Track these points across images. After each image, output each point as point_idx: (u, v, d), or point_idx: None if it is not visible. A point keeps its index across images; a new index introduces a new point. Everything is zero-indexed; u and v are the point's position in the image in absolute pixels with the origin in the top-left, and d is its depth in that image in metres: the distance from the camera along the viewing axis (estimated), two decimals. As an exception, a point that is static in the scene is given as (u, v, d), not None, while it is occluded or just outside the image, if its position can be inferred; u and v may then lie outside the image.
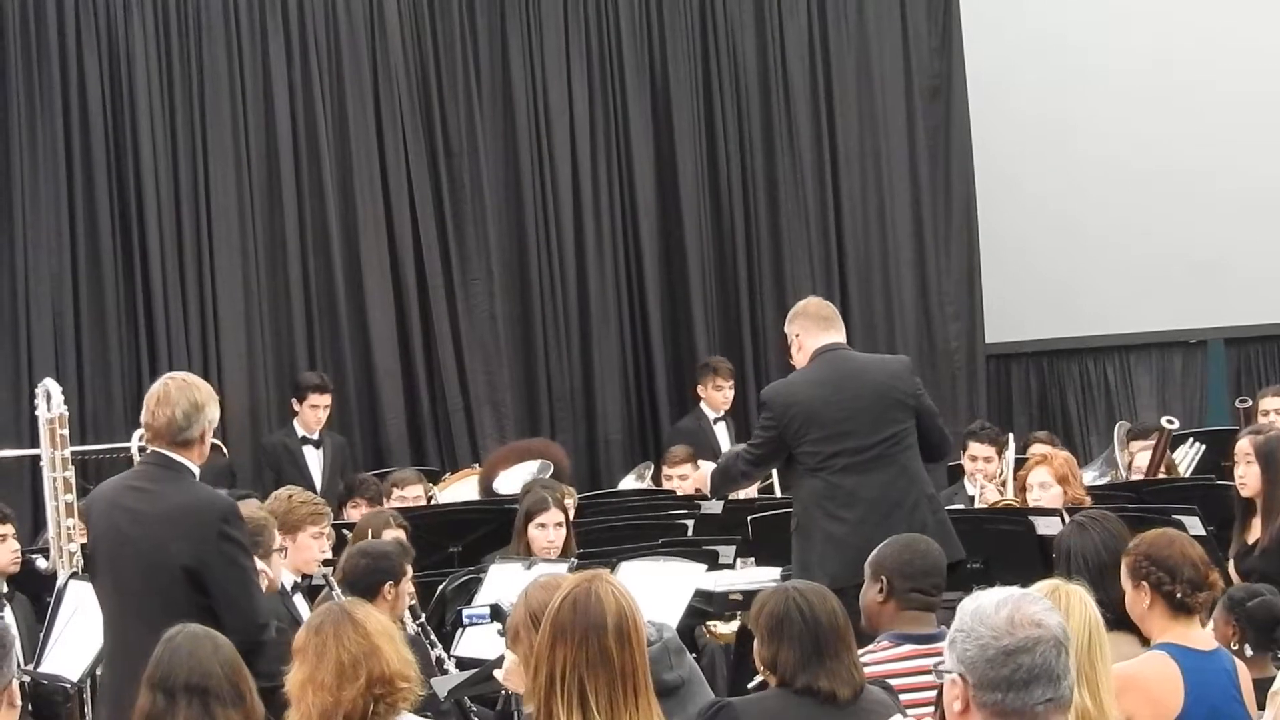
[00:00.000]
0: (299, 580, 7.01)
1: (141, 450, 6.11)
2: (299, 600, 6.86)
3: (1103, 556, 5.47)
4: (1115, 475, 9.85)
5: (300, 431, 10.89)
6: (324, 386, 10.90)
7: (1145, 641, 5.16)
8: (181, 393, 5.74)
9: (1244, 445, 7.21)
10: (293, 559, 7.01)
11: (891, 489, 7.09)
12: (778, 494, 9.83)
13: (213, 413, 5.79)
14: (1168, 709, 4.90)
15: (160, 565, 5.60)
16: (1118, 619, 5.11)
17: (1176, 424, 9.30)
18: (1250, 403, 10.44)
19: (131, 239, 11.23)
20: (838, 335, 7.38)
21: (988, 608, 3.15)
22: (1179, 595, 5.03)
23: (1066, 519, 6.52)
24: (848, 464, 7.09)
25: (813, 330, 7.34)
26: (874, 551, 5.76)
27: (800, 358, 7.36)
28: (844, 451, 7.10)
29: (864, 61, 13.16)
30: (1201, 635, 5.12)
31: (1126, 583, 5.13)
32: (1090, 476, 9.52)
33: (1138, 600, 5.10)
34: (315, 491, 9.32)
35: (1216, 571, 5.22)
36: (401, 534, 7.47)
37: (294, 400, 10.97)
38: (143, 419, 5.83)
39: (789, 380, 7.45)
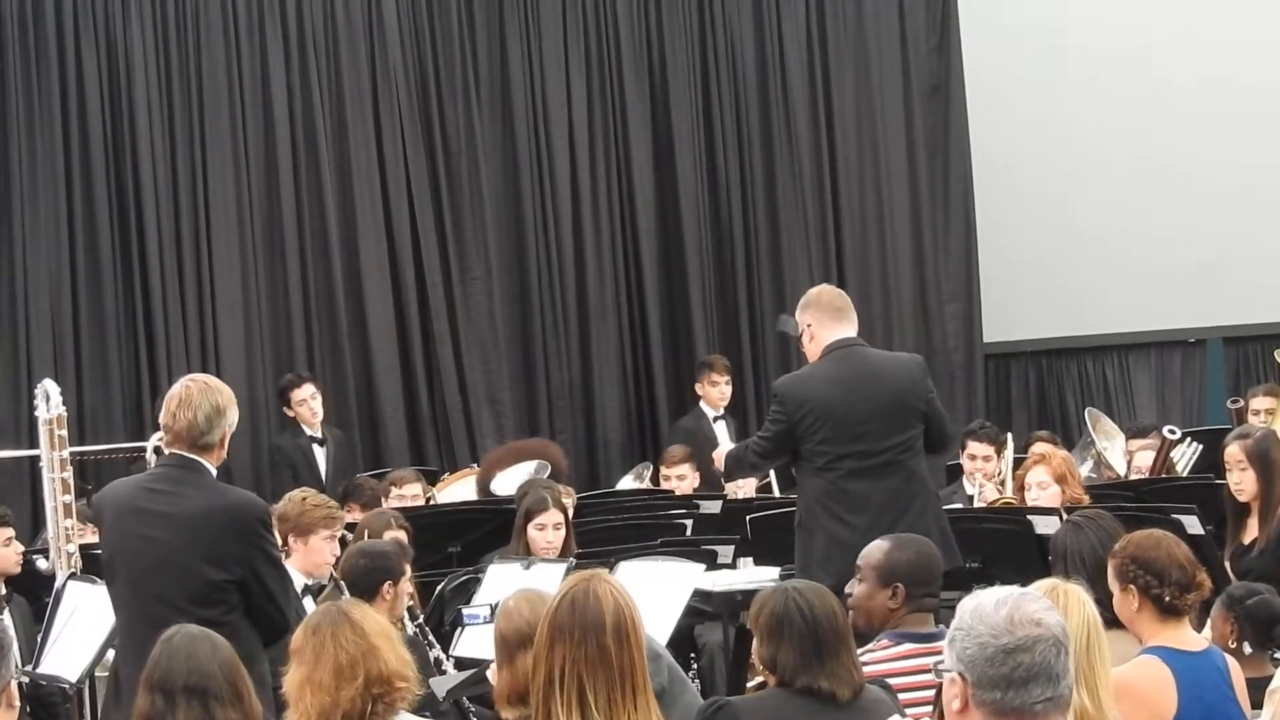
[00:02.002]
0: (309, 583, 7.01)
1: (158, 451, 6.07)
2: (309, 603, 6.84)
3: (1099, 554, 5.47)
4: (1095, 459, 9.88)
5: (305, 430, 10.88)
6: (298, 380, 10.90)
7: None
8: (204, 396, 5.66)
9: (1235, 451, 7.16)
10: (305, 561, 7.01)
11: (898, 495, 7.01)
12: (776, 494, 9.85)
13: (233, 416, 5.72)
14: (1162, 712, 4.89)
15: (186, 569, 5.54)
16: (1116, 617, 5.10)
17: (1178, 433, 9.29)
18: (1241, 403, 10.44)
19: (130, 239, 11.23)
20: (851, 328, 7.27)
21: (987, 606, 3.14)
22: (1167, 598, 5.01)
23: (1065, 518, 6.51)
24: (856, 468, 7.01)
25: (826, 322, 7.24)
26: (879, 555, 5.73)
27: (812, 349, 7.26)
28: (853, 454, 7.01)
29: (862, 61, 13.17)
30: (1191, 636, 5.10)
31: (1114, 585, 5.11)
32: (1082, 471, 9.55)
33: (1126, 603, 5.08)
34: (323, 488, 9.35)
35: (1204, 571, 5.20)
36: (403, 535, 7.47)
37: (283, 408, 10.96)
38: (162, 420, 5.75)
39: (803, 375, 7.35)
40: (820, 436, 7.05)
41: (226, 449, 5.77)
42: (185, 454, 5.67)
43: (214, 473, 5.72)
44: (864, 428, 7.03)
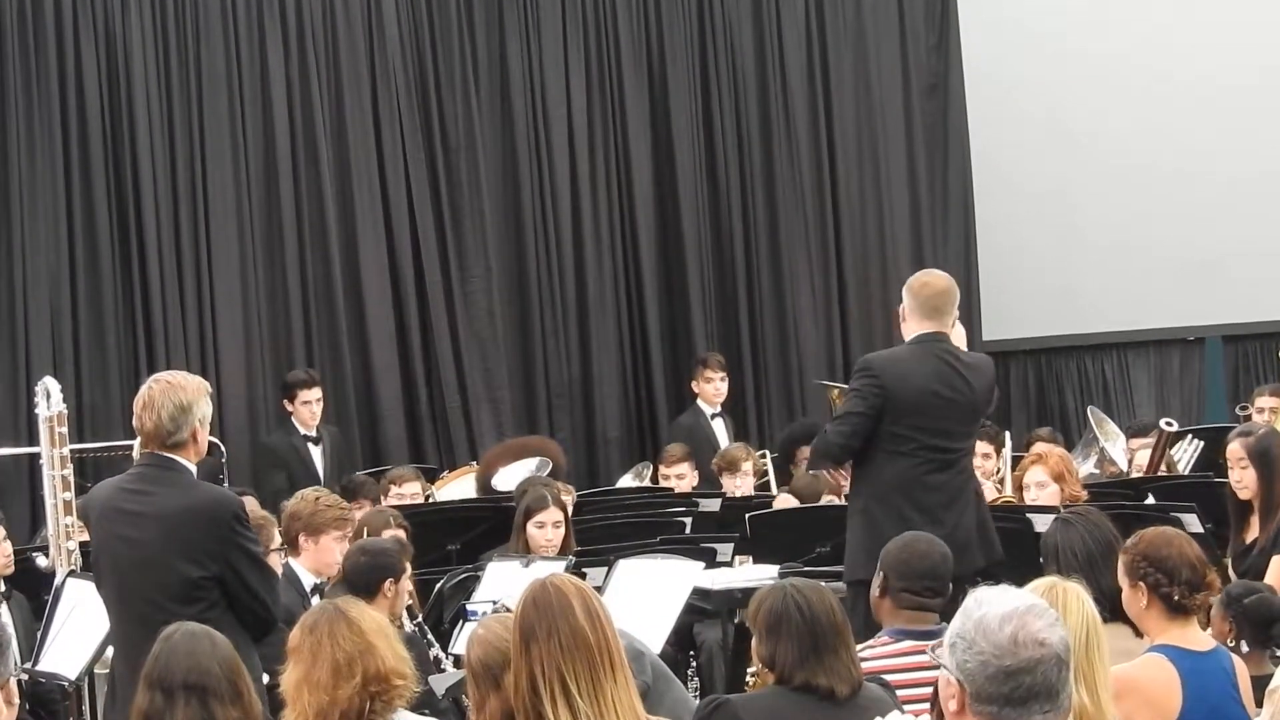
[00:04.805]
0: (319, 582, 7.00)
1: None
2: (317, 602, 6.84)
3: (1090, 547, 5.47)
4: (1099, 456, 9.88)
5: (300, 430, 10.86)
6: (310, 381, 10.86)
7: (1140, 634, 5.16)
8: (166, 395, 5.63)
9: (1236, 449, 7.15)
10: (314, 560, 7.01)
11: (961, 492, 7.00)
12: (774, 491, 9.85)
13: (203, 409, 5.67)
14: (1167, 711, 4.88)
15: (164, 567, 5.54)
16: (1114, 610, 5.10)
17: (1175, 425, 9.29)
18: (1250, 410, 10.43)
19: (129, 237, 11.22)
20: (942, 324, 7.10)
21: (991, 621, 3.10)
22: (1176, 597, 5.00)
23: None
24: (936, 459, 6.93)
25: (920, 316, 7.08)
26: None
27: (904, 329, 7.16)
28: (937, 447, 6.94)
29: (861, 59, 13.17)
30: (1199, 635, 5.10)
31: (1123, 580, 5.11)
32: (1085, 468, 9.55)
33: (1135, 600, 5.07)
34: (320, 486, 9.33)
35: (1214, 571, 5.20)
36: (401, 533, 7.47)
37: (284, 401, 10.95)
38: (133, 423, 5.75)
39: (897, 355, 7.21)
40: (911, 421, 6.92)
41: (205, 443, 5.72)
42: (159, 453, 5.65)
43: (193, 469, 5.69)
44: (948, 424, 6.97)
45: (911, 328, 7.11)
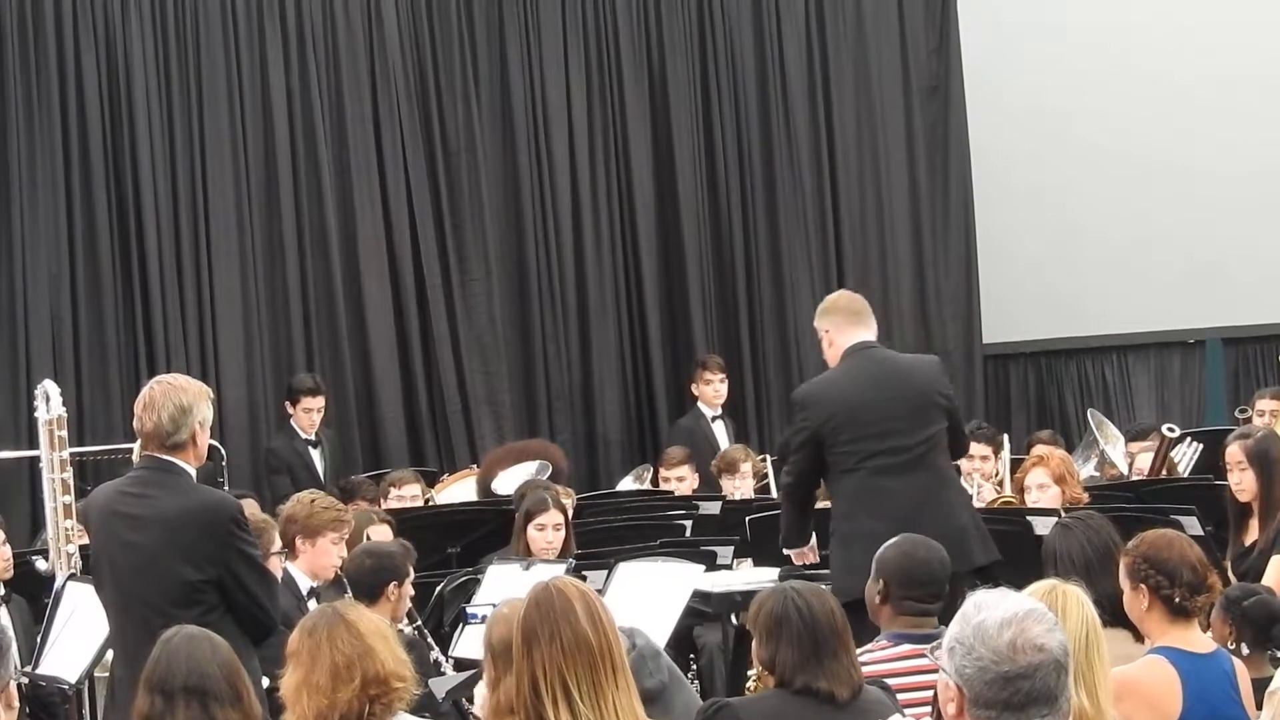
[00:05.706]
0: (315, 586, 6.99)
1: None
2: (314, 606, 6.83)
3: (1088, 553, 5.46)
4: (1099, 459, 9.88)
5: (300, 434, 10.86)
6: (317, 389, 10.86)
7: (1140, 638, 5.16)
8: (166, 396, 5.63)
9: (1235, 452, 7.15)
10: (311, 563, 6.99)
11: (929, 491, 6.97)
12: (774, 494, 9.85)
13: (203, 412, 5.66)
14: (1167, 713, 4.88)
15: (164, 571, 5.54)
16: (1112, 615, 5.10)
17: (1177, 431, 9.30)
18: (1249, 412, 10.43)
19: (130, 240, 11.22)
20: (868, 332, 7.21)
21: (990, 627, 3.10)
22: (1177, 599, 5.00)
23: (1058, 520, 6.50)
24: (888, 464, 6.94)
25: (844, 327, 7.18)
26: (881, 547, 5.74)
27: (831, 354, 7.20)
28: (884, 451, 6.95)
29: (861, 62, 13.18)
30: (1200, 637, 5.10)
31: (1125, 583, 5.11)
32: (1085, 471, 9.56)
33: (1135, 602, 5.08)
34: (322, 490, 9.33)
35: (1215, 573, 5.20)
36: (387, 529, 7.47)
37: (287, 403, 10.95)
38: (134, 424, 5.75)
39: (822, 380, 7.28)
40: (847, 436, 6.97)
41: (205, 447, 5.72)
42: (158, 455, 5.65)
43: (193, 472, 5.69)
44: (891, 425, 6.97)
45: (842, 343, 7.16)
